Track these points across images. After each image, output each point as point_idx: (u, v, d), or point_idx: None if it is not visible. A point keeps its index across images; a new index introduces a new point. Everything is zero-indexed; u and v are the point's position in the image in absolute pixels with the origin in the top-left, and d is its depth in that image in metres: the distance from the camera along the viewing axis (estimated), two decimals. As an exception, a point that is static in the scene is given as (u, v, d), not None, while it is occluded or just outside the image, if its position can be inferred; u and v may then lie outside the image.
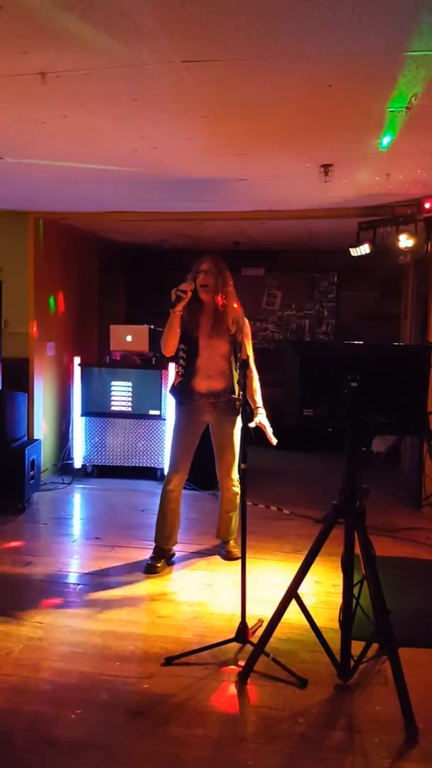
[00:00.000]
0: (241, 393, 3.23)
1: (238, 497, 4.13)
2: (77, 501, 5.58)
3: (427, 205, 4.66)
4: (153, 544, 4.10)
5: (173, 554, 4.17)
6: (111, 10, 2.12)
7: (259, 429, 3.92)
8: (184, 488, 4.16)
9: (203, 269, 3.91)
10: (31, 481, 5.26)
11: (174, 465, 4.05)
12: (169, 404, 5.93)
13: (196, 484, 5.50)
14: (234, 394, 3.96)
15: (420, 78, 2.60)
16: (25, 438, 5.47)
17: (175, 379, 4.09)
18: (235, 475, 4.11)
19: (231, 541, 4.26)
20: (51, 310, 6.18)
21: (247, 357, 3.89)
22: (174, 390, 4.09)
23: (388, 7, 2.07)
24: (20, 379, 5.69)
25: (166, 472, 4.14)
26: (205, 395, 3.97)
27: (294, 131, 3.35)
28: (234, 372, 3.94)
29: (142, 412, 6.03)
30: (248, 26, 2.21)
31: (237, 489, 4.12)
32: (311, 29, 2.22)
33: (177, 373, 4.05)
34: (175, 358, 4.05)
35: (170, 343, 3.93)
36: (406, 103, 2.85)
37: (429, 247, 4.90)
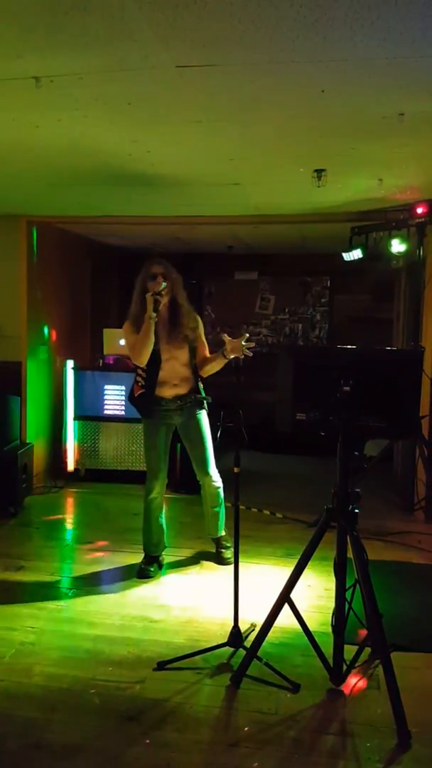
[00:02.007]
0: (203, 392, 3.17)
1: (221, 490, 4.11)
2: (70, 505, 5.57)
3: (419, 210, 4.69)
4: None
5: (162, 564, 4.16)
6: (105, 15, 2.13)
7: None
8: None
9: (158, 272, 3.80)
10: (24, 485, 5.25)
11: (152, 473, 4.03)
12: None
13: (187, 489, 5.49)
14: (199, 393, 3.95)
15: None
16: (18, 441, 5.45)
17: (135, 390, 3.99)
18: (212, 471, 4.08)
19: (224, 542, 4.24)
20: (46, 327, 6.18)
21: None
22: (136, 401, 3.99)
23: (380, 14, 2.08)
24: (13, 383, 5.68)
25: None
26: (171, 400, 3.93)
27: (287, 136, 3.36)
28: (196, 375, 3.94)
29: (134, 416, 5.98)
30: (241, 32, 2.22)
31: (217, 484, 4.10)
32: (304, 35, 2.23)
33: (137, 383, 3.96)
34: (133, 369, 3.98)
35: (145, 353, 3.75)
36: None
37: (421, 252, 4.93)
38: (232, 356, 3.64)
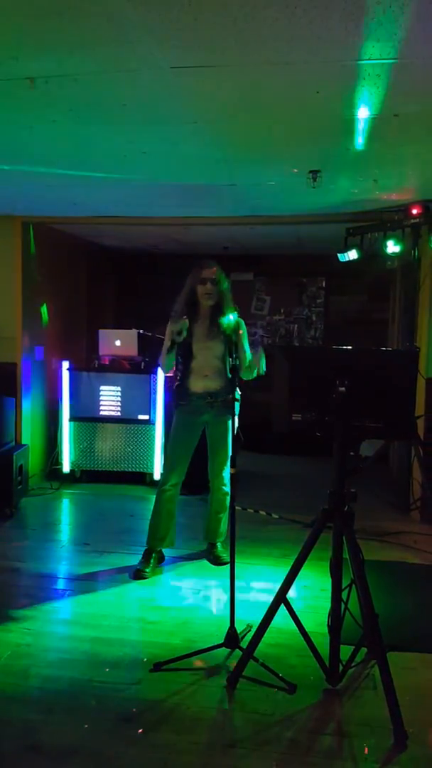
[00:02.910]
0: (238, 394, 3.23)
1: (228, 498, 4.14)
2: (66, 506, 5.56)
3: (414, 211, 4.70)
4: (142, 550, 4.10)
5: (163, 557, 4.16)
6: (100, 16, 2.13)
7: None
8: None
9: (209, 277, 3.95)
10: (19, 487, 5.24)
11: (170, 464, 4.07)
12: (159, 407, 5.94)
13: (185, 489, 5.49)
14: (231, 394, 3.96)
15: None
16: (13, 443, 5.44)
17: (174, 381, 4.15)
18: (225, 474, 4.12)
19: (219, 545, 4.26)
20: (44, 320, 6.17)
21: (239, 361, 3.91)
22: (172, 391, 4.15)
23: (374, 15, 2.09)
24: (8, 384, 5.67)
25: (158, 474, 4.14)
26: (201, 395, 3.99)
27: (282, 137, 3.36)
28: (230, 372, 3.95)
29: (131, 417, 6.02)
30: (236, 33, 2.22)
31: (226, 489, 4.14)
32: (299, 36, 2.24)
33: (175, 375, 4.11)
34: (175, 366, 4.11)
35: (165, 365, 4.02)
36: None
37: (416, 253, 4.94)
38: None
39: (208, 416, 4.05)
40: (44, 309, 6.20)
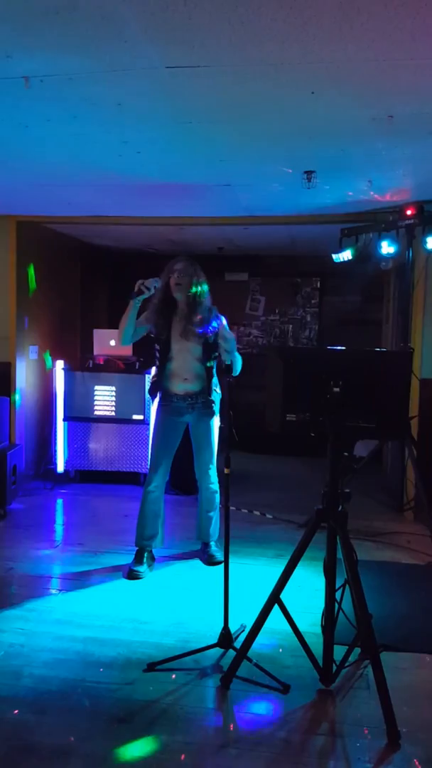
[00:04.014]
0: (217, 395, 3.22)
1: (217, 495, 4.15)
2: (59, 506, 5.55)
3: (408, 212, 4.71)
4: (135, 550, 4.09)
5: (154, 558, 4.16)
6: (95, 16, 2.13)
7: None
8: (167, 493, 4.16)
9: (177, 269, 3.93)
10: (13, 487, 5.22)
11: (154, 465, 4.08)
12: (153, 407, 5.93)
13: (179, 489, 5.50)
14: (210, 395, 3.98)
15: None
16: (7, 443, 5.42)
17: (152, 379, 4.13)
18: (212, 472, 4.14)
19: (212, 545, 4.25)
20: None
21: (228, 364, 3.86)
22: (151, 390, 4.12)
23: (370, 16, 2.09)
24: (1, 384, 5.65)
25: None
26: (182, 397, 4.00)
27: (277, 137, 3.37)
28: (209, 373, 3.97)
29: (125, 417, 6.01)
30: (231, 33, 2.22)
31: (215, 487, 4.16)
32: (294, 37, 2.24)
33: (153, 376, 4.09)
34: (152, 360, 4.07)
35: (125, 332, 3.97)
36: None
37: (410, 254, 4.95)
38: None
39: (190, 417, 4.06)
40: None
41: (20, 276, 5.80)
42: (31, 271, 6.08)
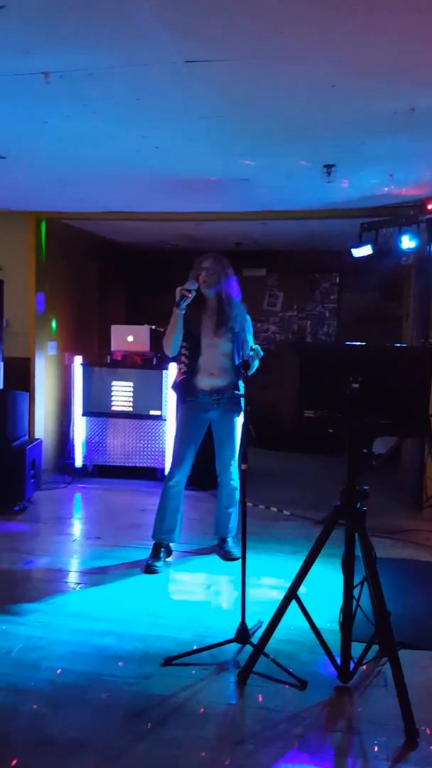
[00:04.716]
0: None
1: (237, 492, 4.15)
2: (78, 500, 5.58)
3: (429, 206, 4.66)
4: (152, 544, 4.10)
5: (170, 552, 4.17)
6: (113, 10, 2.12)
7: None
8: (186, 489, 4.16)
9: (205, 267, 3.94)
10: (32, 481, 5.26)
11: (176, 461, 4.07)
12: (171, 402, 5.93)
13: (196, 485, 5.50)
14: (237, 391, 3.99)
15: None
16: (26, 437, 5.46)
17: (177, 376, 4.11)
18: (233, 469, 4.14)
19: (230, 541, 4.25)
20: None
21: (248, 357, 3.86)
22: (177, 386, 4.11)
23: (390, 8, 2.07)
24: (21, 379, 5.69)
25: (167, 469, 4.16)
26: (208, 392, 3.99)
27: (296, 131, 3.34)
28: (237, 370, 3.97)
29: (142, 413, 6.03)
30: (250, 26, 2.21)
31: (235, 483, 4.16)
32: (314, 29, 2.22)
33: (180, 370, 4.08)
34: (177, 356, 4.07)
35: (173, 343, 3.94)
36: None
37: (431, 249, 4.90)
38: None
39: (214, 413, 4.05)
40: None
41: (39, 272, 5.83)
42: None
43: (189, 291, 3.78)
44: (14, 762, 2.30)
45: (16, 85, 2.75)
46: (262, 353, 3.80)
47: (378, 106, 2.93)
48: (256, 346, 3.84)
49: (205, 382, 3.99)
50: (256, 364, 3.83)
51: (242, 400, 4.02)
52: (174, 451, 4.12)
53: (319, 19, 2.14)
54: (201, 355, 3.98)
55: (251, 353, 3.78)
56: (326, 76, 2.61)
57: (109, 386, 6.08)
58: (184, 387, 4.04)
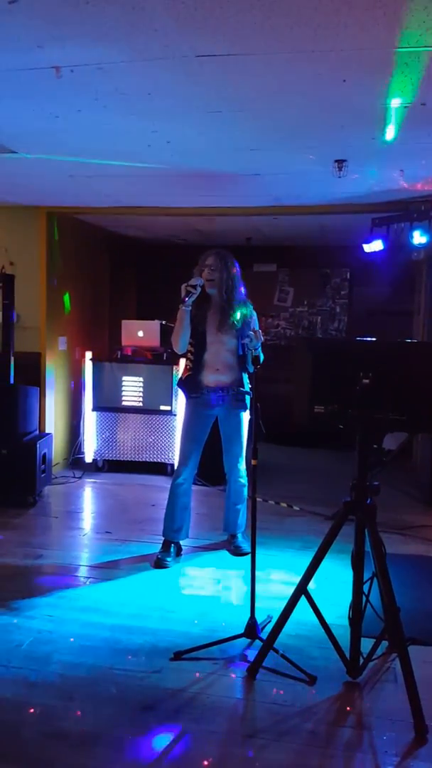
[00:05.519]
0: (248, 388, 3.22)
1: (245, 489, 4.16)
2: (88, 495, 5.60)
3: (441, 202, 4.63)
4: (163, 539, 4.12)
5: (181, 548, 4.18)
6: (125, 5, 2.12)
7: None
8: (195, 484, 4.17)
9: (208, 264, 3.94)
10: (43, 475, 5.29)
11: (183, 458, 4.08)
12: (181, 398, 5.94)
13: (205, 480, 5.51)
14: (242, 387, 3.99)
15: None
16: (37, 432, 5.49)
17: (183, 373, 4.12)
18: (241, 466, 4.14)
19: (239, 536, 4.26)
20: (66, 308, 6.21)
21: (247, 340, 3.81)
22: (182, 383, 4.11)
23: (402, 2, 2.05)
24: (32, 373, 5.72)
25: (175, 465, 4.17)
26: (213, 389, 3.99)
27: (307, 126, 3.33)
28: (242, 366, 3.96)
29: (153, 408, 6.04)
30: (262, 21, 2.20)
31: (243, 480, 4.16)
32: (325, 24, 2.21)
33: (186, 366, 4.08)
34: (186, 352, 4.07)
35: (181, 340, 3.94)
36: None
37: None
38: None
39: (220, 409, 4.05)
40: (66, 297, 6.23)
41: (50, 268, 5.84)
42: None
43: (194, 287, 3.79)
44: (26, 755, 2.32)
45: (27, 80, 2.75)
46: (262, 338, 3.78)
47: (388, 101, 2.91)
48: (258, 329, 3.81)
49: (210, 378, 3.99)
50: (259, 349, 3.77)
51: (247, 397, 4.02)
52: (180, 449, 4.13)
53: (329, 14, 2.13)
54: (206, 351, 3.98)
55: (251, 333, 3.75)
56: (338, 71, 2.59)
57: (120, 381, 6.10)
58: (189, 383, 4.04)
